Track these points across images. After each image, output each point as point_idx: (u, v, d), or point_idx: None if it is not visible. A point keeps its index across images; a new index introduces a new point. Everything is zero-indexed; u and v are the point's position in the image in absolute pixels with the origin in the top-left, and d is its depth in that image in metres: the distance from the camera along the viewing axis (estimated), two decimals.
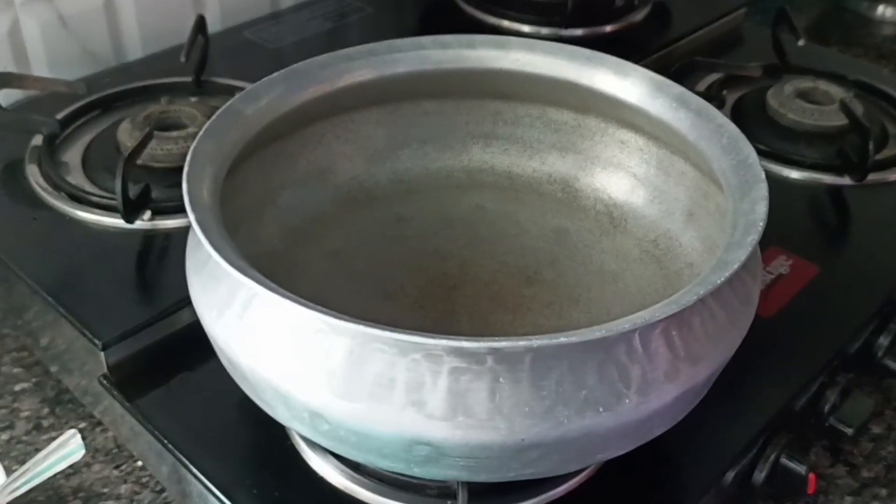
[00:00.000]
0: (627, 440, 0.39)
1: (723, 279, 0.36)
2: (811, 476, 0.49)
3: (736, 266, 0.37)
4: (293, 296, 0.35)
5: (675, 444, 0.46)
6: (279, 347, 0.37)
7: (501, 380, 0.35)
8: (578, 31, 0.82)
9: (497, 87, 0.54)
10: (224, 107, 0.46)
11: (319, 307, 0.35)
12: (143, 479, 0.52)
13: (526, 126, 0.56)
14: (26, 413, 0.55)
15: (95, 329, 0.50)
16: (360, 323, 0.34)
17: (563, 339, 0.33)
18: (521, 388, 0.35)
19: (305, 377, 0.36)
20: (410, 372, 0.35)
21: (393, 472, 0.44)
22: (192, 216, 0.38)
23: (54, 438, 0.49)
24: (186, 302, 0.42)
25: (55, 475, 0.49)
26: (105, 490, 0.51)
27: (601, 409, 0.36)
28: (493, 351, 0.34)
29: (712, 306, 0.38)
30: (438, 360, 0.35)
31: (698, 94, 0.49)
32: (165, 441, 0.47)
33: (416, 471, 0.38)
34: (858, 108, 0.69)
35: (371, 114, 0.54)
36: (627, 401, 0.36)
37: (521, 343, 0.34)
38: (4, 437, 0.54)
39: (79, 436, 0.48)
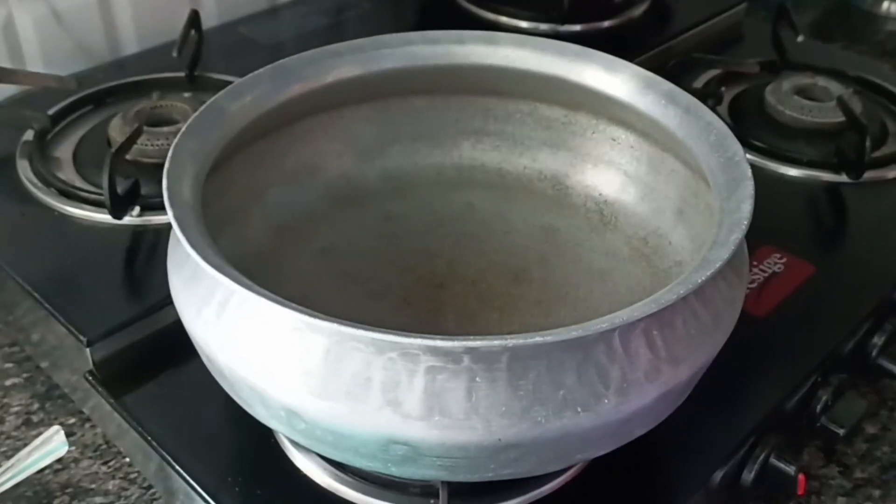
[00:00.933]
0: (607, 441, 0.38)
1: (704, 278, 0.36)
2: (801, 477, 0.48)
3: (718, 265, 0.36)
4: (270, 294, 0.35)
5: (663, 443, 0.46)
6: (256, 346, 0.37)
7: (478, 379, 0.34)
8: (576, 27, 0.81)
9: (487, 83, 0.53)
10: (207, 103, 0.45)
11: (296, 305, 0.34)
12: (131, 476, 0.51)
13: (517, 122, 0.55)
14: (16, 408, 0.55)
15: (81, 325, 0.50)
16: (336, 322, 0.34)
17: (538, 338, 0.33)
18: (497, 388, 0.34)
19: (282, 376, 0.36)
20: (387, 371, 0.35)
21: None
22: (170, 213, 0.38)
23: None
24: None
25: (43, 471, 0.49)
26: (93, 486, 0.51)
27: (579, 410, 0.35)
28: (470, 350, 0.34)
29: (695, 305, 0.38)
30: (415, 359, 0.34)
31: (695, 90, 0.49)
32: (150, 439, 0.47)
33: (394, 470, 0.37)
34: (857, 105, 0.68)
35: (360, 110, 0.54)
36: (606, 401, 0.35)
37: (497, 342, 0.33)
38: None
39: (62, 432, 0.48)
